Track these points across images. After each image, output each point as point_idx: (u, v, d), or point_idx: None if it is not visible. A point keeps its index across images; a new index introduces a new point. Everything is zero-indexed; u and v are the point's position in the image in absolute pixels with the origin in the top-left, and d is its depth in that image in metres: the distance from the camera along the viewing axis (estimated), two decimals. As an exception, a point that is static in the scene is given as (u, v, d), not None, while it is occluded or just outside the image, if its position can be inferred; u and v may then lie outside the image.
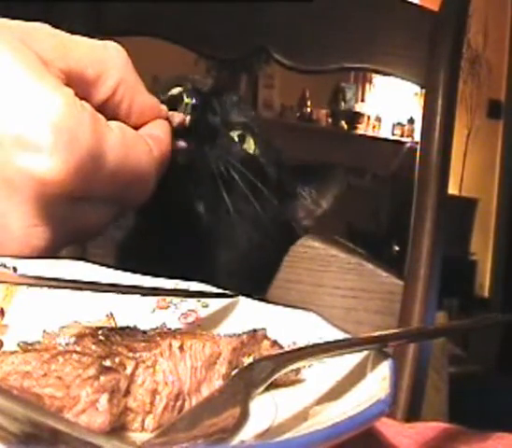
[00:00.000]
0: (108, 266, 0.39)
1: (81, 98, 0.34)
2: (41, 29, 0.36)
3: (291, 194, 0.56)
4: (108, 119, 0.36)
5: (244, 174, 0.48)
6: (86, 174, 0.33)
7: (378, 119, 4.13)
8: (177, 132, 0.42)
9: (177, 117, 0.42)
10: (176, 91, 0.46)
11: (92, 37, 0.37)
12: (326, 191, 0.56)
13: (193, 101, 0.44)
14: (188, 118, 0.43)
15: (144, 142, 0.37)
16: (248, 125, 0.51)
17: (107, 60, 0.37)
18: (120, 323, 0.33)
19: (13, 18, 0.35)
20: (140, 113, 0.39)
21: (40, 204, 0.34)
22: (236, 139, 0.50)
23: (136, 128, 0.38)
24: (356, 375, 0.29)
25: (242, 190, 0.48)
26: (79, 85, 0.35)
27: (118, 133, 0.35)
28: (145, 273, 0.38)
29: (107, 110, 0.37)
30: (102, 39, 0.38)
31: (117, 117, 0.38)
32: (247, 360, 0.31)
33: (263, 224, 0.51)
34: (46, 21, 0.37)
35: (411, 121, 4.09)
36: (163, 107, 0.41)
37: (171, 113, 0.42)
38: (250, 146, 0.51)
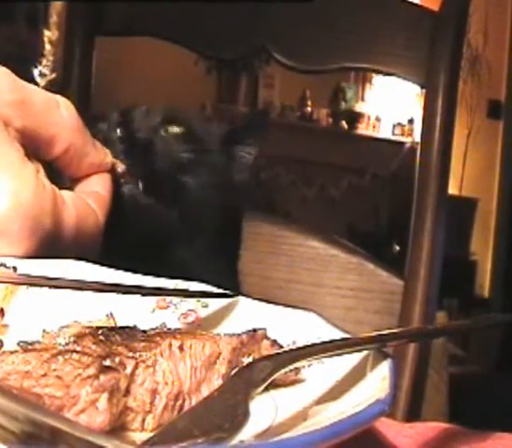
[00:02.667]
0: (109, 266, 0.39)
1: (33, 155, 0.37)
2: (1, 80, 0.37)
3: (234, 159, 0.56)
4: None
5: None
6: (43, 250, 0.36)
7: (378, 119, 4.13)
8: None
9: (120, 167, 0.45)
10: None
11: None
12: (252, 138, 0.57)
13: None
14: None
15: (91, 211, 0.40)
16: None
17: (60, 122, 0.39)
18: (120, 323, 0.33)
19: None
20: (86, 170, 0.42)
21: None
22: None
23: (80, 179, 0.42)
24: (356, 375, 0.29)
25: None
26: (32, 143, 0.38)
27: (72, 209, 0.38)
28: (145, 273, 0.38)
29: (56, 164, 0.40)
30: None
31: (64, 170, 0.41)
32: (246, 360, 0.31)
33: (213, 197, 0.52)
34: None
35: (411, 121, 4.09)
36: (108, 158, 0.43)
37: (114, 161, 0.45)
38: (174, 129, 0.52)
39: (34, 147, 0.38)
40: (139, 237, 0.48)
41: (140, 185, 0.47)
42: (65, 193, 0.39)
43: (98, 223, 0.40)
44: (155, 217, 0.49)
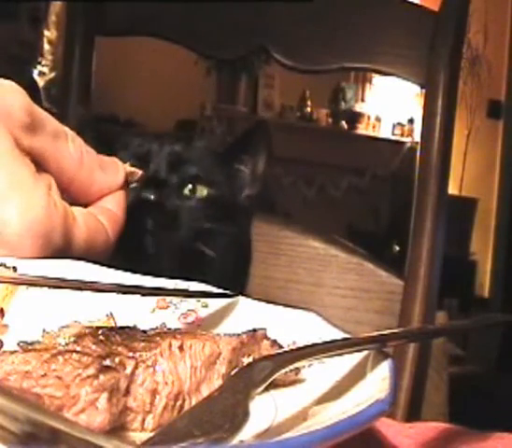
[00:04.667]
0: (109, 266, 0.39)
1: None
2: (15, 101, 0.37)
3: (235, 175, 0.57)
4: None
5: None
6: None
7: (378, 119, 4.13)
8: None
9: (136, 175, 0.45)
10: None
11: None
12: (257, 152, 0.57)
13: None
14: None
15: (102, 228, 0.40)
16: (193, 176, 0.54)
17: (66, 155, 0.39)
18: (120, 323, 0.33)
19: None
20: (96, 196, 0.42)
21: None
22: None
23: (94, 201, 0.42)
24: (356, 375, 0.29)
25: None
26: (41, 165, 0.38)
27: (83, 226, 0.38)
28: (145, 273, 0.38)
29: (65, 195, 0.40)
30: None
31: (73, 200, 0.41)
32: (246, 360, 0.31)
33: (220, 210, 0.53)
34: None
35: (411, 121, 4.09)
36: (121, 172, 0.43)
37: (129, 170, 0.44)
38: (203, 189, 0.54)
39: (45, 168, 0.38)
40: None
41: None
42: (77, 210, 0.39)
43: (108, 240, 0.40)
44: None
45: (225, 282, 0.39)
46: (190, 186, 0.53)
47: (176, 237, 0.51)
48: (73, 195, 0.41)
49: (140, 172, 0.46)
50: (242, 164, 0.56)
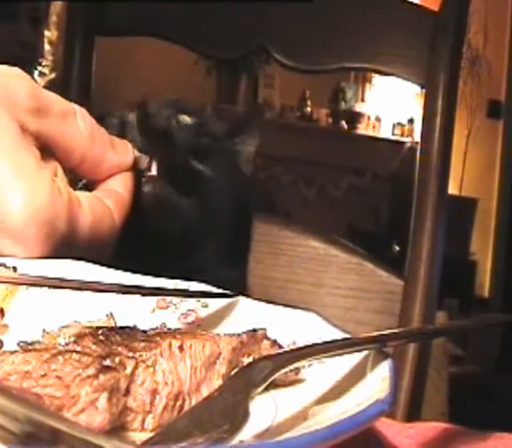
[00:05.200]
0: (108, 266, 0.39)
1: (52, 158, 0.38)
2: (18, 87, 0.37)
3: (232, 155, 0.57)
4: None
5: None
6: (58, 253, 0.37)
7: (378, 119, 4.13)
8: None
9: (144, 161, 0.46)
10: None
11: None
12: (249, 133, 0.57)
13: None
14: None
15: (108, 212, 0.40)
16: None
17: (76, 133, 0.40)
18: (120, 323, 0.33)
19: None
20: (106, 174, 0.42)
21: None
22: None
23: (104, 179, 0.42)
24: (356, 375, 0.29)
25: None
26: (49, 150, 0.39)
27: (88, 212, 0.38)
28: (145, 273, 0.38)
29: (75, 172, 0.41)
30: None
31: (84, 177, 0.42)
32: (246, 360, 0.31)
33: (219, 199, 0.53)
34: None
35: (411, 121, 4.09)
36: (129, 156, 0.43)
37: (138, 156, 0.45)
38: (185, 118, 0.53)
39: (51, 154, 0.39)
40: (157, 232, 0.48)
41: (154, 169, 0.47)
42: (82, 195, 0.39)
43: (114, 224, 0.40)
44: (173, 209, 0.49)
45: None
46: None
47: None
48: (84, 172, 0.41)
49: (147, 158, 0.46)
50: (237, 145, 0.56)
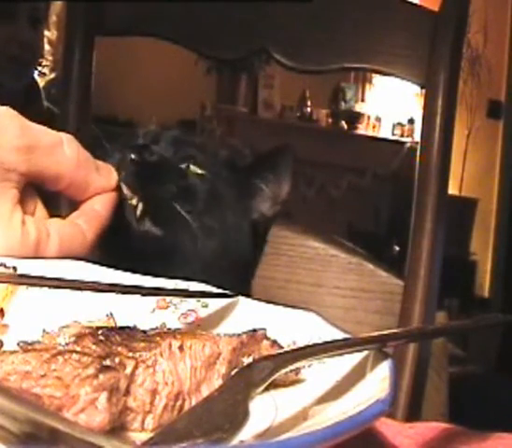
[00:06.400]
0: (108, 266, 0.39)
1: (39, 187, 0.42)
2: (8, 128, 0.39)
3: (251, 192, 0.56)
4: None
5: (198, 189, 0.52)
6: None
7: (378, 119, 4.13)
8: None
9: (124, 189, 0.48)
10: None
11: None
12: (281, 173, 0.57)
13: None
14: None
15: (78, 231, 0.43)
16: (191, 156, 0.54)
17: (63, 161, 0.42)
18: (120, 323, 0.33)
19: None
20: (90, 194, 0.45)
21: None
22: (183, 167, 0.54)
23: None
24: (356, 375, 0.29)
25: (202, 201, 0.51)
26: (37, 180, 0.42)
27: (55, 239, 0.41)
28: (145, 273, 0.38)
29: (62, 193, 0.44)
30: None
31: (70, 197, 0.45)
32: (246, 360, 0.31)
33: (232, 227, 0.53)
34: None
35: (411, 121, 4.09)
36: (114, 176, 0.46)
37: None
38: (196, 169, 0.53)
39: (38, 183, 0.42)
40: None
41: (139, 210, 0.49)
42: (54, 224, 0.42)
43: (85, 241, 0.43)
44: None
45: None
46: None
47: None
48: (70, 194, 0.44)
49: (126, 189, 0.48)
50: (263, 183, 0.56)
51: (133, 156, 0.49)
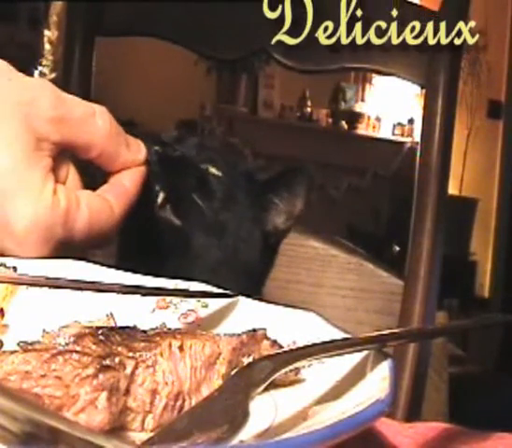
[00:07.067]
0: (109, 266, 0.39)
1: (70, 155, 0.43)
2: (43, 99, 0.41)
3: (265, 205, 0.57)
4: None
5: (214, 195, 0.53)
6: (58, 252, 0.41)
7: (378, 119, 4.13)
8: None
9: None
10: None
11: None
12: (297, 190, 0.57)
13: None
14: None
15: (105, 206, 0.44)
16: (212, 159, 0.55)
17: (95, 131, 0.43)
18: (120, 323, 0.33)
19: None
20: (119, 167, 0.46)
21: None
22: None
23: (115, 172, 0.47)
24: (356, 375, 0.29)
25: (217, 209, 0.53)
26: (68, 149, 0.43)
27: (85, 211, 0.42)
28: (145, 273, 0.38)
29: (92, 163, 0.45)
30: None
31: (99, 167, 0.46)
32: (246, 360, 0.31)
33: (245, 229, 0.54)
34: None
35: (411, 121, 4.09)
36: (141, 155, 0.47)
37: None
38: (215, 171, 0.55)
39: (70, 152, 0.43)
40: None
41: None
42: (83, 195, 0.43)
43: (113, 215, 0.44)
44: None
45: None
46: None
47: None
48: (100, 164, 0.45)
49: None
50: (278, 198, 0.57)
51: (157, 148, 0.51)
